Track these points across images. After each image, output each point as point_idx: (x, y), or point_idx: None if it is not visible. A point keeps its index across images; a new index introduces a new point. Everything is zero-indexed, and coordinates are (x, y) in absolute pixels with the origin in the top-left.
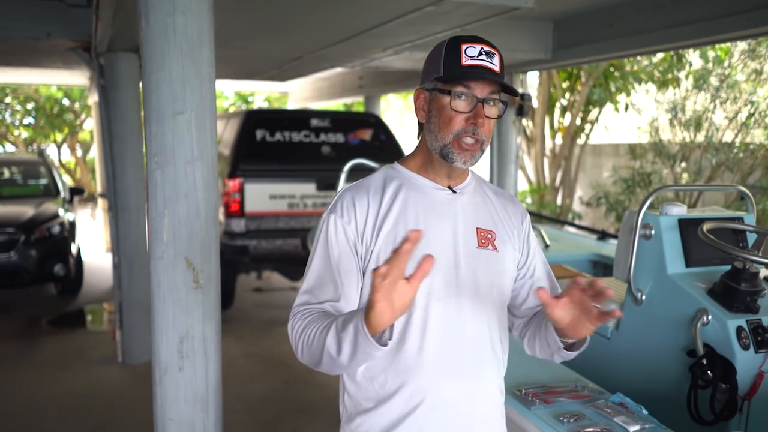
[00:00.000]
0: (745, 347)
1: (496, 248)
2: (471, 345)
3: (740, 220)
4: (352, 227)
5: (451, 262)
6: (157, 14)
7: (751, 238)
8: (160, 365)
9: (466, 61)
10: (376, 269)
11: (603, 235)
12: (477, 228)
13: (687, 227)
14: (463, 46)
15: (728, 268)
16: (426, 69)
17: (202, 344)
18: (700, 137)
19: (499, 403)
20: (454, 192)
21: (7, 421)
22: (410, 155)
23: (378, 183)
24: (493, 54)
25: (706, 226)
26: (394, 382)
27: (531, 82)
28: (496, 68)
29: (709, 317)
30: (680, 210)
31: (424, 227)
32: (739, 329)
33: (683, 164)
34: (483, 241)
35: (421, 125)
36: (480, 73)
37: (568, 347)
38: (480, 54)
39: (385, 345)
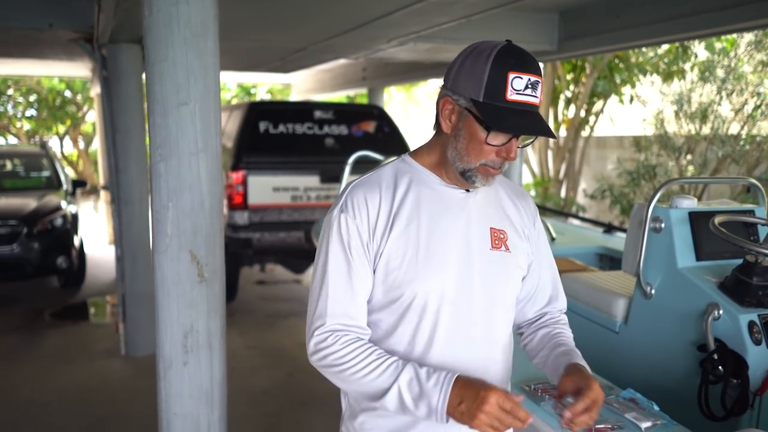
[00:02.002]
0: (757, 342)
1: (508, 249)
2: (480, 348)
3: (751, 213)
4: (365, 227)
5: (464, 264)
6: (160, 3)
7: (763, 231)
8: (164, 360)
9: (511, 95)
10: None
11: (609, 228)
12: (491, 228)
13: (697, 220)
14: (510, 76)
15: (740, 261)
16: (460, 74)
17: (207, 338)
18: (706, 129)
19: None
20: (467, 190)
21: (11, 413)
22: (424, 149)
23: (389, 178)
24: (538, 83)
25: (717, 219)
26: None
27: None
28: (537, 100)
29: (721, 312)
30: (691, 203)
31: (437, 227)
32: (751, 324)
33: (689, 156)
34: (496, 242)
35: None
36: (520, 124)
37: None
38: (526, 88)
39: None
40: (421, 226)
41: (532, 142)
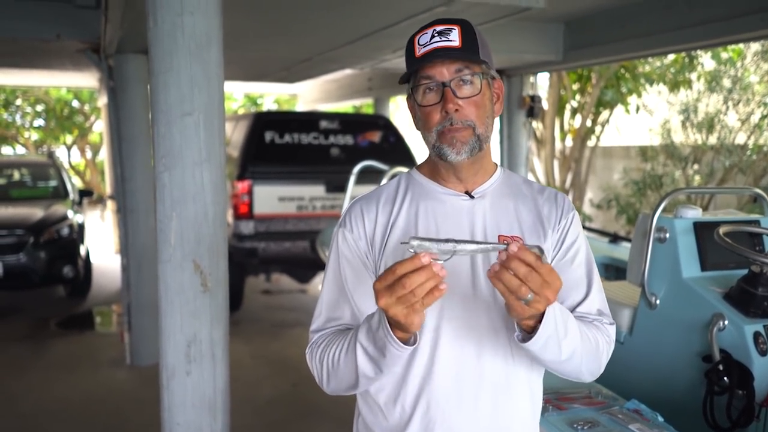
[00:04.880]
0: (763, 353)
1: None
2: (489, 370)
3: (756, 223)
4: (363, 240)
5: (468, 277)
6: (165, 14)
7: None
8: (167, 369)
9: (419, 51)
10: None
11: (615, 238)
12: (500, 236)
13: (702, 230)
14: (416, 37)
15: (745, 272)
16: None
17: (210, 348)
18: (713, 139)
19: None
20: (472, 197)
21: (16, 422)
22: (425, 160)
23: (390, 191)
24: (450, 30)
25: (722, 230)
26: (405, 412)
27: (541, 84)
28: (455, 43)
29: (726, 322)
30: (695, 213)
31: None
32: (757, 334)
33: (695, 166)
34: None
35: None
36: (429, 59)
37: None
38: (432, 38)
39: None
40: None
41: (480, 87)
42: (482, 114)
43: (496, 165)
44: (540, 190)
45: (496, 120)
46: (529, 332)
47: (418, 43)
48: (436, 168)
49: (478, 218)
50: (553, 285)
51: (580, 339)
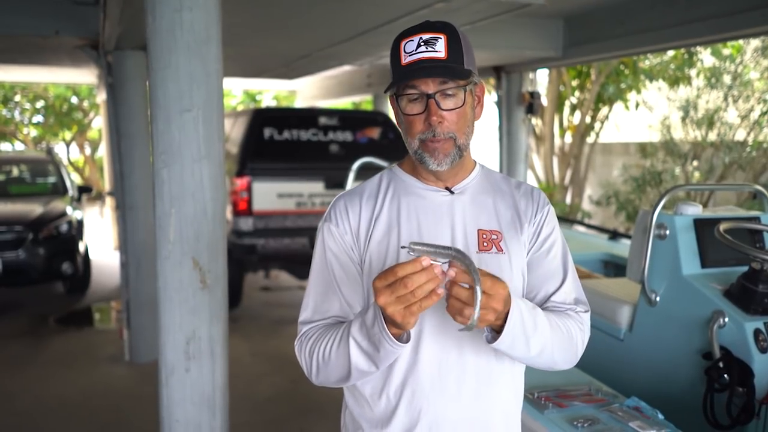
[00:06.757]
0: (763, 350)
1: (501, 250)
2: (472, 361)
3: (757, 219)
4: (348, 234)
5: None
6: (163, 10)
7: None
8: (166, 366)
9: (405, 59)
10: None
11: (614, 235)
12: (479, 230)
13: (702, 227)
14: (402, 43)
15: (745, 269)
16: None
17: (209, 345)
18: (712, 136)
19: (514, 421)
20: (452, 192)
21: (15, 419)
22: (407, 157)
23: (373, 187)
24: (436, 39)
25: (722, 226)
26: (390, 402)
27: (540, 81)
28: (441, 54)
29: (726, 319)
30: (695, 210)
31: (418, 233)
32: (757, 332)
33: (695, 163)
34: (485, 244)
35: None
36: (416, 71)
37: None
38: (419, 46)
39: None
40: (401, 232)
41: (464, 100)
42: (463, 124)
43: (475, 162)
44: (517, 185)
45: (495, 117)
46: (497, 332)
47: (404, 50)
48: (417, 166)
49: (458, 213)
50: (498, 295)
51: (551, 332)
